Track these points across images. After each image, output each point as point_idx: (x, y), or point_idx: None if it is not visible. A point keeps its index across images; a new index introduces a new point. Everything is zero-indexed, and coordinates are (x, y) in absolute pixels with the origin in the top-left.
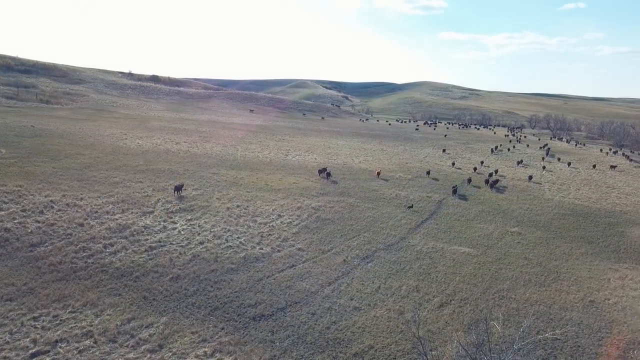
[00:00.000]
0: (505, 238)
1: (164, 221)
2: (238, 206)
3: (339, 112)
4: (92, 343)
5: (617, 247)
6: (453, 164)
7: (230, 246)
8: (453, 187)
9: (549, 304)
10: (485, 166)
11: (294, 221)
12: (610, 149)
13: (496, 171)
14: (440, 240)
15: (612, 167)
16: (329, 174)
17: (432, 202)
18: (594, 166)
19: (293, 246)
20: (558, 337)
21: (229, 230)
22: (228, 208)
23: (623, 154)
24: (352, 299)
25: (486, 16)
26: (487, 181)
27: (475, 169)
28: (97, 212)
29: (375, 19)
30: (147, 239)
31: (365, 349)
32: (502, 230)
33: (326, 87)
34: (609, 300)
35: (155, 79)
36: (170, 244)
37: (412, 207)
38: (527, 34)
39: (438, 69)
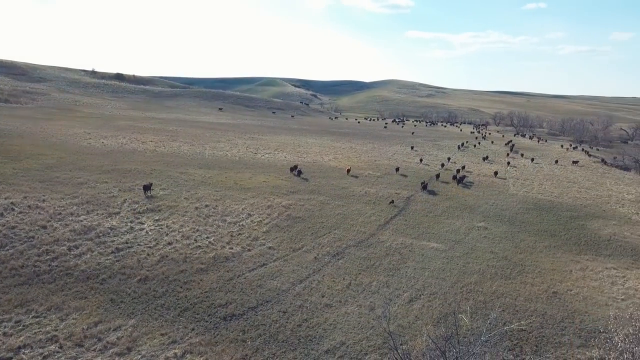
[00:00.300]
0: (472, 233)
1: (131, 222)
2: (207, 206)
3: (308, 111)
4: (57, 348)
5: (578, 239)
6: (421, 160)
7: (200, 246)
8: (422, 183)
9: (514, 296)
10: (452, 162)
11: (264, 220)
12: (571, 145)
13: (463, 167)
14: (410, 236)
15: (574, 162)
16: (300, 172)
17: (401, 198)
18: (557, 161)
19: (263, 245)
20: (523, 328)
21: (197, 230)
22: (197, 208)
23: (582, 149)
24: (323, 296)
25: (452, 15)
26: (454, 177)
27: (442, 165)
28: (60, 213)
29: (343, 17)
30: (114, 241)
31: (336, 345)
32: (469, 225)
33: (295, 86)
34: (571, 291)
35: (119, 77)
36: (138, 245)
37: (393, 202)
38: (492, 33)
39: (405, 67)
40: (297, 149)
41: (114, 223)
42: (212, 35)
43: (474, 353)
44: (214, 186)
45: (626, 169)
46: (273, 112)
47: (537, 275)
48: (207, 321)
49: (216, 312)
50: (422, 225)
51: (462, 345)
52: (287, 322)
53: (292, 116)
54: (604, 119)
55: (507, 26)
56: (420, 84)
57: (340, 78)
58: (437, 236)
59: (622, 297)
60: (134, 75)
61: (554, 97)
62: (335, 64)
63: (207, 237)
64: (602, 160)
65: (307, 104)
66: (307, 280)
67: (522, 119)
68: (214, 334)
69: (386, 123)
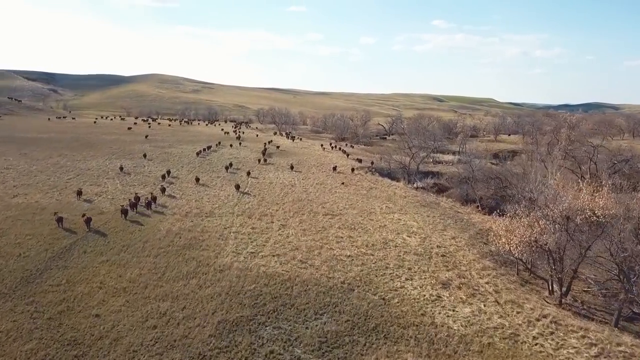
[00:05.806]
0: None
1: None
2: None
3: (19, 109)
4: None
5: None
6: (121, 169)
7: None
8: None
9: None
10: (173, 177)
11: None
12: (331, 144)
13: (154, 198)
14: None
15: (343, 183)
16: None
17: None
18: (332, 173)
19: None
20: None
21: None
22: None
23: (341, 149)
24: None
25: (221, 12)
26: (125, 210)
27: (161, 180)
28: None
29: (104, 7)
30: None
31: None
32: None
33: (29, 79)
34: None
35: None
36: None
37: None
38: (260, 32)
39: (175, 62)
40: None
41: None
42: None
43: None
44: None
45: (393, 176)
46: None
47: None
48: None
49: None
50: None
51: None
52: None
53: None
54: (362, 114)
55: (273, 25)
56: (185, 79)
57: (98, 72)
58: None
59: None
60: None
61: (318, 94)
62: (96, 58)
63: None
64: (371, 165)
65: (19, 100)
66: None
67: (283, 116)
68: None
69: (136, 122)
